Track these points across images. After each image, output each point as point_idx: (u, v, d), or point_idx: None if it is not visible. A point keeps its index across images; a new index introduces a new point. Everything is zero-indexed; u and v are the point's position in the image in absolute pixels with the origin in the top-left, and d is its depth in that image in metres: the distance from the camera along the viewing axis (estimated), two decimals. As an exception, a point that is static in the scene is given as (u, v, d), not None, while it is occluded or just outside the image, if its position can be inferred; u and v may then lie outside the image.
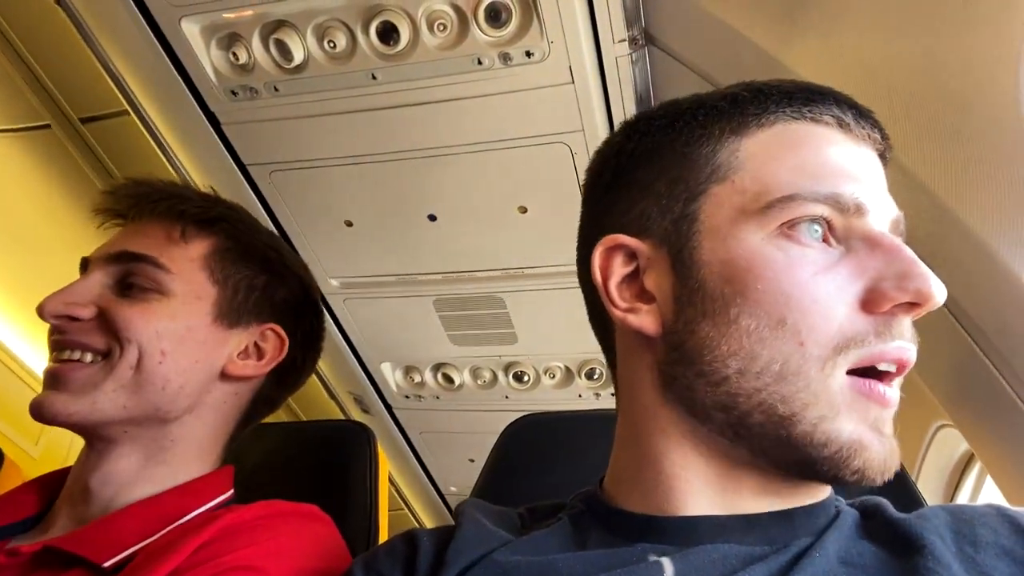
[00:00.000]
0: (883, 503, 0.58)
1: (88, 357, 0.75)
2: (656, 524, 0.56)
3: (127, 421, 0.75)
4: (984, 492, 1.08)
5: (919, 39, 0.77)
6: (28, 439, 2.10)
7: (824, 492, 0.58)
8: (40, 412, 0.73)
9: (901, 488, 0.79)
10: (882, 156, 0.59)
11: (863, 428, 0.50)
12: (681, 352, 0.54)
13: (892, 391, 0.52)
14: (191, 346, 0.77)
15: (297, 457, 0.96)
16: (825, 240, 0.52)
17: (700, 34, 1.07)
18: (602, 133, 1.29)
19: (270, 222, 1.52)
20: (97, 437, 0.76)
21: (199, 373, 0.78)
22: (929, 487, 1.12)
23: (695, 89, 1.16)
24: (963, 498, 1.11)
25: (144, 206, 0.82)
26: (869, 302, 0.50)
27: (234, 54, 1.24)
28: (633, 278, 0.58)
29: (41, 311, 0.74)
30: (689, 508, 0.55)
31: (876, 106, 0.84)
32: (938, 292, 0.50)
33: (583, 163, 1.32)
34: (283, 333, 0.85)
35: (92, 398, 0.73)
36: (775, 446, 0.51)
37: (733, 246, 0.53)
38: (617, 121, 1.28)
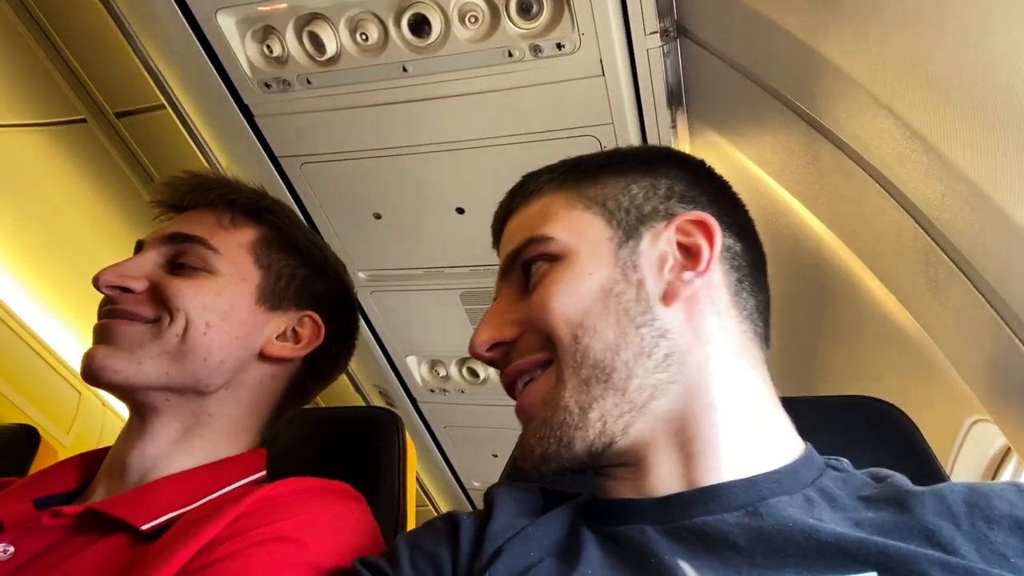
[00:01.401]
0: (894, 474, 0.61)
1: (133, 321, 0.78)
2: (634, 507, 0.60)
3: (168, 388, 0.78)
4: None
5: (959, 28, 0.76)
6: (60, 429, 2.14)
7: (787, 456, 0.61)
8: (90, 367, 0.75)
9: (933, 483, 0.78)
10: (514, 204, 0.73)
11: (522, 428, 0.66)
12: None
13: (526, 392, 0.65)
14: (234, 323, 0.81)
15: (327, 443, 0.97)
16: None
17: (733, 24, 1.07)
18: (632, 127, 1.28)
19: (300, 215, 1.53)
20: (141, 403, 0.79)
21: (239, 350, 0.81)
22: (970, 477, 1.10)
23: (729, 81, 1.15)
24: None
25: (198, 194, 0.87)
26: None
27: (268, 47, 1.25)
28: None
29: (96, 281, 0.78)
30: (621, 493, 0.62)
31: (914, 95, 0.83)
32: (472, 347, 0.67)
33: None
34: (320, 320, 0.88)
35: (138, 358, 0.76)
36: None
37: None
38: (647, 114, 1.28)
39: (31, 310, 2.11)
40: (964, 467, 1.08)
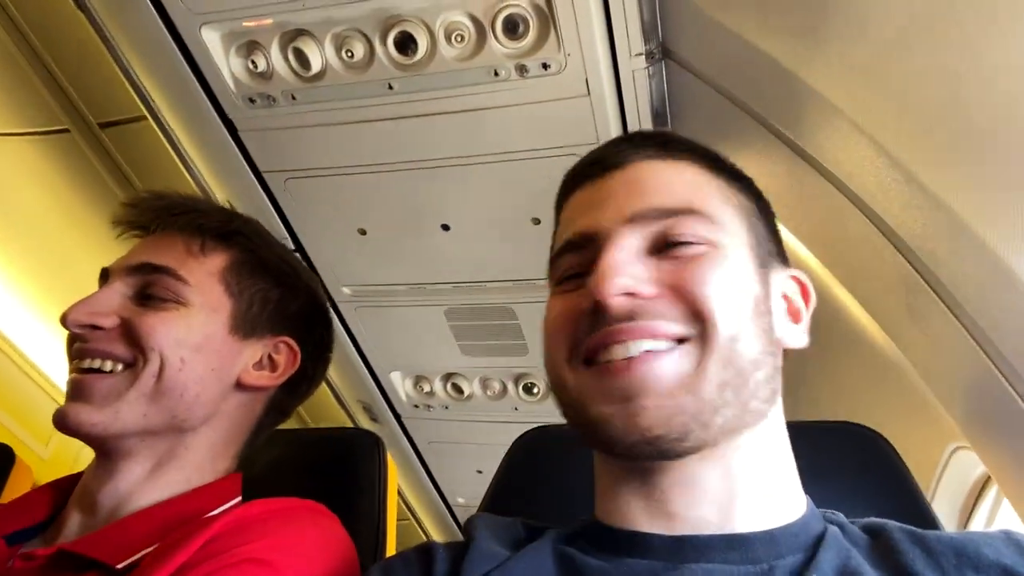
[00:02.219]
0: (888, 525, 0.59)
1: (109, 365, 0.76)
2: (642, 540, 0.58)
3: (145, 431, 0.76)
4: (1000, 516, 1.06)
5: (942, 59, 0.76)
6: (39, 441, 2.11)
7: (794, 508, 0.60)
8: (64, 423, 0.74)
9: (915, 511, 0.78)
10: (661, 155, 0.66)
11: (605, 404, 0.57)
12: None
13: (632, 363, 0.57)
14: (208, 355, 0.79)
15: (306, 464, 0.96)
16: (578, 275, 0.63)
17: (717, 48, 1.07)
18: (617, 146, 1.28)
19: (284, 229, 1.52)
20: (112, 449, 0.77)
21: (215, 382, 0.80)
22: (944, 509, 1.10)
23: (713, 104, 1.16)
24: (979, 521, 1.09)
25: (165, 219, 0.84)
26: (584, 311, 0.60)
27: (253, 62, 1.25)
28: None
29: (64, 320, 0.75)
30: (639, 519, 0.60)
31: (897, 125, 0.83)
32: (603, 288, 0.57)
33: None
34: (296, 345, 0.87)
35: (115, 408, 0.74)
36: (588, 438, 0.61)
37: (547, 303, 0.66)
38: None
39: (11, 321, 2.08)
40: (945, 494, 1.08)
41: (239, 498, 0.80)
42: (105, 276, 0.82)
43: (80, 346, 0.76)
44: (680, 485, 0.58)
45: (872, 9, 0.83)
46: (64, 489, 0.81)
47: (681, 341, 0.57)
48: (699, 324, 0.57)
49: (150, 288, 0.79)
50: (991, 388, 0.82)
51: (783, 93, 0.94)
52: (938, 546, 0.54)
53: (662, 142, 0.67)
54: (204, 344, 0.78)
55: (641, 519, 0.59)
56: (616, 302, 0.57)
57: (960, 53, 0.74)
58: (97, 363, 0.75)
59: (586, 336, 0.59)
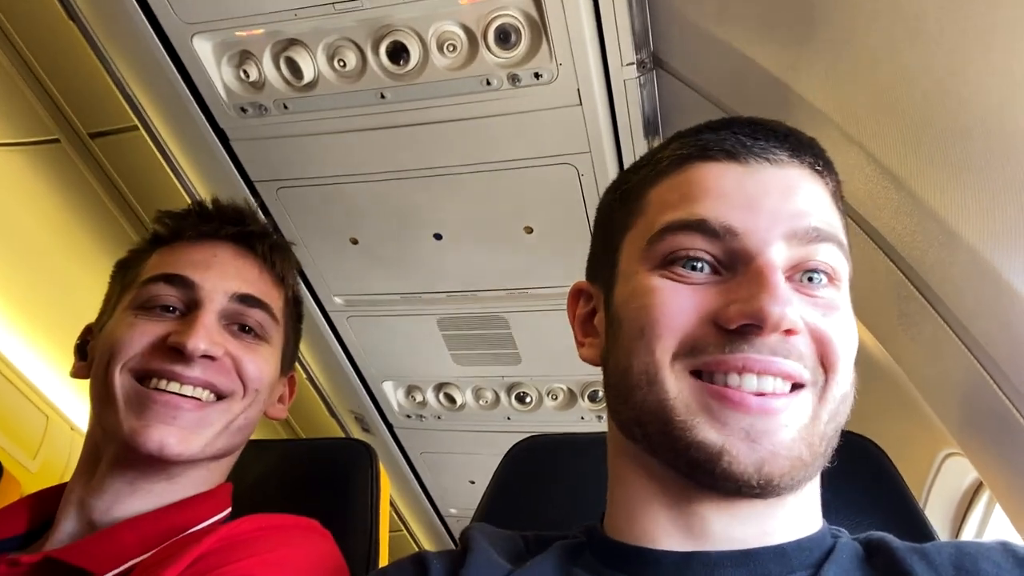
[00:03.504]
0: (887, 539, 0.58)
1: (205, 395, 0.76)
2: (649, 557, 0.57)
3: (208, 458, 0.77)
4: (992, 522, 1.06)
5: (929, 67, 0.77)
6: (27, 453, 2.09)
7: (809, 523, 0.58)
8: (148, 444, 0.72)
9: (909, 519, 0.78)
10: (800, 160, 0.60)
11: (728, 433, 0.52)
12: (606, 378, 0.62)
13: (765, 400, 0.53)
14: (268, 394, 0.82)
15: (298, 475, 0.96)
16: (708, 269, 0.56)
17: (708, 58, 1.08)
18: (609, 155, 1.29)
19: (288, 244, 1.52)
20: (163, 470, 0.76)
21: (259, 418, 0.82)
22: (936, 516, 1.11)
23: (704, 113, 1.17)
24: (971, 527, 1.09)
25: (254, 242, 0.85)
26: (719, 319, 0.54)
27: (244, 71, 1.24)
28: (590, 317, 0.67)
29: (186, 347, 0.73)
30: (666, 538, 0.57)
31: (886, 133, 0.84)
32: (775, 314, 0.51)
33: (590, 184, 1.33)
34: (295, 375, 0.91)
35: (206, 438, 0.75)
36: (672, 455, 0.55)
37: (632, 281, 0.59)
38: (624, 143, 1.29)
39: (-1, 332, 2.06)
40: (937, 501, 1.08)
41: (229, 509, 0.79)
42: (183, 283, 0.78)
43: (182, 370, 0.74)
44: (732, 515, 0.56)
45: (858, 18, 0.83)
46: (47, 499, 0.80)
47: (796, 386, 0.55)
48: (824, 375, 0.55)
49: (244, 319, 0.79)
50: (983, 394, 0.82)
51: (773, 102, 0.95)
52: (937, 558, 0.53)
53: (817, 152, 0.62)
54: (270, 383, 0.81)
55: (660, 536, 0.57)
56: (777, 334, 0.53)
57: (946, 60, 0.75)
58: (197, 391, 0.75)
59: (713, 347, 0.54)
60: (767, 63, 0.96)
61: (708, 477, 0.53)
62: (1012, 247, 0.72)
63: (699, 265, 0.56)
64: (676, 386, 0.54)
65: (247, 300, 0.79)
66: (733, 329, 0.53)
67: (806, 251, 0.56)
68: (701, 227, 0.56)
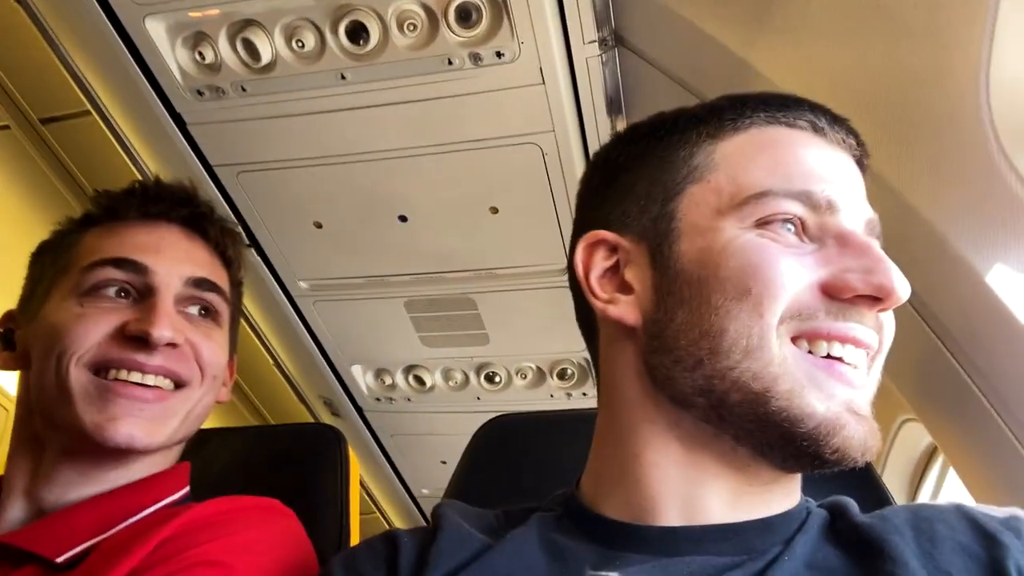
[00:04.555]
0: (850, 504, 0.59)
1: (166, 383, 0.74)
2: (637, 532, 0.56)
3: (161, 446, 0.75)
4: (947, 485, 1.10)
5: (884, 46, 0.78)
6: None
7: (795, 496, 0.59)
8: (117, 438, 0.70)
9: (866, 482, 0.80)
10: (859, 162, 0.62)
11: (836, 406, 0.52)
12: (660, 340, 0.56)
13: (856, 372, 0.53)
14: (221, 377, 0.80)
15: (266, 461, 0.95)
16: (798, 235, 0.55)
17: (670, 36, 1.08)
18: (573, 134, 1.29)
19: (238, 224, 1.50)
20: (126, 457, 0.74)
21: (213, 404, 0.81)
22: (894, 480, 1.14)
23: (665, 91, 1.17)
24: (927, 490, 1.13)
25: (205, 223, 0.82)
26: (831, 287, 0.53)
27: (200, 53, 1.22)
28: (614, 272, 0.61)
29: (151, 335, 0.71)
30: (668, 514, 0.56)
31: (841, 110, 0.85)
32: (901, 288, 0.52)
33: (554, 163, 1.33)
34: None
35: (170, 427, 0.74)
36: (757, 427, 0.53)
37: (712, 238, 0.55)
38: (588, 122, 1.29)
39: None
40: (895, 464, 1.12)
41: (187, 488, 0.78)
42: (137, 269, 0.75)
43: (145, 360, 0.72)
44: (756, 491, 0.56)
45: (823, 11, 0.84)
46: None
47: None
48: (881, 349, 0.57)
49: (198, 304, 0.78)
50: (938, 363, 0.85)
51: (733, 80, 0.95)
52: (896, 520, 0.54)
53: (860, 139, 0.62)
54: (224, 367, 0.80)
55: (657, 512, 0.56)
56: (886, 307, 0.54)
57: (898, 39, 0.76)
58: (159, 380, 0.74)
59: (824, 314, 0.53)
60: (729, 41, 0.97)
61: (816, 451, 0.51)
62: (967, 222, 0.74)
63: (792, 228, 0.55)
64: (780, 353, 0.52)
65: (202, 284, 0.77)
66: (845, 300, 0.53)
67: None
68: (807, 198, 0.55)
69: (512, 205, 1.42)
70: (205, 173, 1.40)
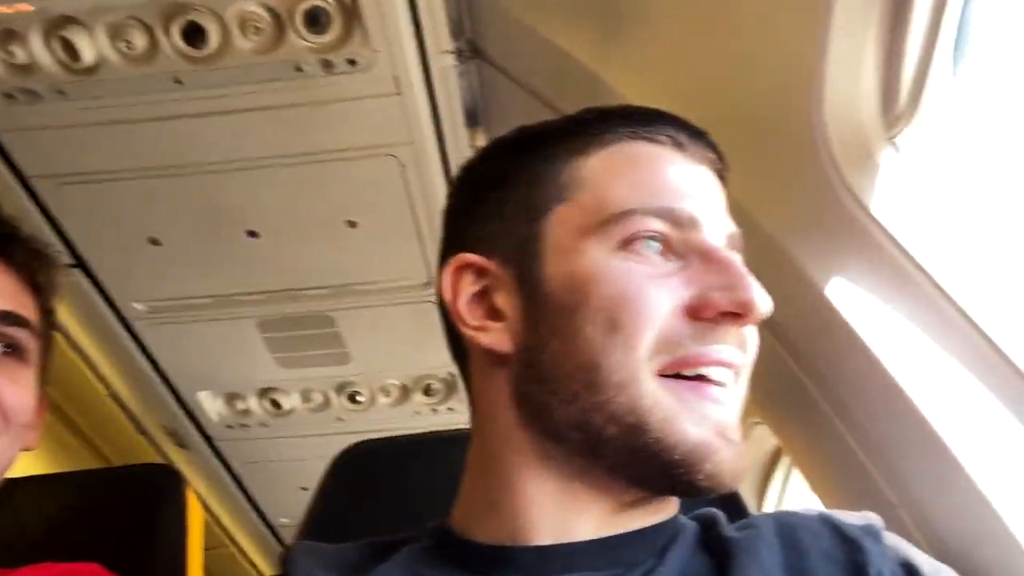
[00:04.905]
0: (718, 515, 0.59)
1: None
2: (507, 555, 0.54)
3: None
4: (792, 484, 1.16)
5: (728, 64, 0.81)
6: None
7: (670, 508, 0.59)
8: None
9: (727, 496, 0.82)
10: (721, 175, 0.62)
11: (707, 430, 0.51)
12: (535, 370, 0.54)
13: (723, 391, 0.53)
14: (29, 424, 0.68)
15: (95, 511, 0.85)
16: (663, 254, 0.54)
17: (525, 49, 1.08)
18: (431, 145, 1.27)
19: (61, 242, 1.35)
20: None
21: (18, 454, 0.68)
22: (746, 480, 1.19)
23: (524, 104, 1.17)
24: (774, 489, 1.19)
25: (13, 247, 0.70)
26: (695, 308, 0.52)
27: (10, 52, 1.08)
28: (483, 297, 0.58)
29: None
30: (541, 535, 0.54)
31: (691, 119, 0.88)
32: (762, 304, 0.52)
33: (414, 175, 1.29)
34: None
35: None
36: (632, 459, 0.51)
37: (577, 260, 0.54)
38: (447, 133, 1.27)
39: None
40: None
41: None
42: None
43: None
44: (629, 512, 0.55)
45: (664, 13, 0.86)
46: None
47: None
48: (748, 361, 0.56)
49: (3, 343, 0.65)
50: (782, 370, 0.89)
51: (587, 94, 0.96)
52: (762, 527, 0.55)
53: (720, 153, 0.62)
54: (31, 411, 0.67)
55: (531, 534, 0.54)
56: (743, 325, 0.53)
57: (750, 62, 0.79)
58: None
59: (690, 340, 0.51)
60: (582, 57, 0.98)
61: (689, 478, 0.50)
62: (807, 238, 0.78)
63: (657, 247, 0.54)
64: (651, 386, 0.51)
65: (5, 319, 0.66)
66: (708, 319, 0.52)
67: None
68: (670, 215, 0.54)
69: (370, 219, 1.38)
70: (19, 185, 1.25)
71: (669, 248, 0.54)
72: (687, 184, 0.56)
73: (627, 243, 0.53)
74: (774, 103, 0.77)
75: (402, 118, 1.22)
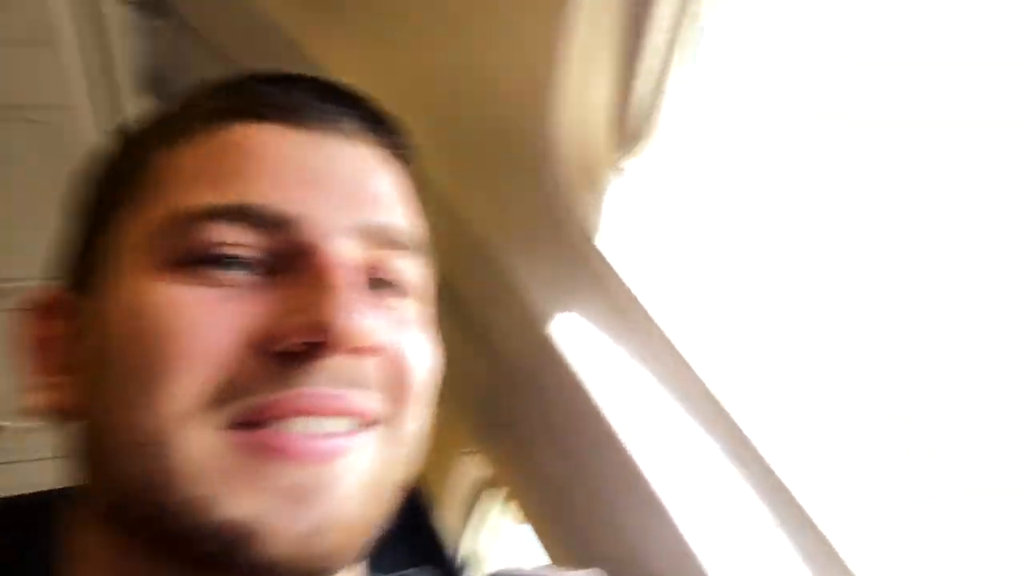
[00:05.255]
0: None
1: None
2: None
3: None
4: (498, 515, 1.13)
5: (457, 58, 0.73)
6: None
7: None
8: None
9: (419, 528, 0.73)
10: (396, 156, 0.47)
11: (264, 501, 0.37)
12: (83, 439, 0.41)
13: (308, 444, 0.38)
14: None
15: None
16: (243, 269, 0.40)
17: (220, 7, 0.91)
18: (90, 112, 1.04)
19: None
20: None
21: None
22: (453, 511, 1.14)
23: (216, 69, 0.98)
24: (478, 519, 1.15)
25: None
26: (262, 340, 0.38)
27: None
28: (69, 344, 0.44)
29: None
30: None
31: (414, 123, 0.79)
32: (339, 325, 0.37)
33: (64, 147, 1.05)
34: None
35: None
36: (170, 545, 0.38)
37: (131, 292, 0.39)
38: (114, 99, 1.04)
39: None
40: (456, 492, 1.11)
41: None
42: None
43: None
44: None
45: (395, 7, 0.77)
46: None
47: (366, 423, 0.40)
48: (397, 406, 0.41)
49: None
50: (495, 399, 0.84)
51: (287, 64, 0.83)
52: None
53: (399, 131, 0.47)
54: None
55: None
56: (345, 354, 0.37)
57: (475, 59, 0.72)
58: None
59: (260, 384, 0.37)
60: (291, 28, 0.84)
61: (222, 567, 0.37)
62: (534, 267, 0.72)
63: (242, 264, 0.39)
64: (198, 448, 0.37)
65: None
66: (285, 352, 0.37)
67: (380, 256, 0.42)
68: (245, 215, 0.39)
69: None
70: None
71: (253, 260, 0.40)
72: (288, 167, 0.42)
73: (190, 261, 0.39)
74: (508, 109, 0.70)
75: (54, 75, 0.98)
